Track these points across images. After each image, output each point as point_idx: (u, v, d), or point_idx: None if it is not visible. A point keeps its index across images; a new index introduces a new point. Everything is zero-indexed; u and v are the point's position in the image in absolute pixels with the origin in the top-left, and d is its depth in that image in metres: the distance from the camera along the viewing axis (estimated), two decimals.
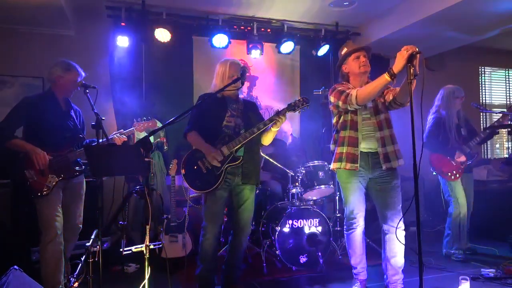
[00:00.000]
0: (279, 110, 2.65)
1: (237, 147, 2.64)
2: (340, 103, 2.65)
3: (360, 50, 2.76)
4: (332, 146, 2.89)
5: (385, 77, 2.35)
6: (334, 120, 2.88)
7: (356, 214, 2.76)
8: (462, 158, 3.68)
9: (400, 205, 2.70)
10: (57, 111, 2.82)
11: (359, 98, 2.52)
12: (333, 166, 2.82)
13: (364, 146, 2.70)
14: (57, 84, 2.82)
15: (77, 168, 2.86)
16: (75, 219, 2.91)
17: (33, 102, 2.76)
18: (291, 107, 2.68)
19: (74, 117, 2.95)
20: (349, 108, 2.64)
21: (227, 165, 2.66)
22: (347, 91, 2.61)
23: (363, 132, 2.70)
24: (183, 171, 2.73)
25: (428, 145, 3.74)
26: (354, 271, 2.93)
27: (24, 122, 2.75)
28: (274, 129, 2.70)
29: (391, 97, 2.64)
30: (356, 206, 2.76)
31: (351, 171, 2.71)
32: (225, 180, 2.67)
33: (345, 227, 2.88)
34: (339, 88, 2.71)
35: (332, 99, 2.75)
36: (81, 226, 2.96)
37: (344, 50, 2.85)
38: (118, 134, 2.94)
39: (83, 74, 2.89)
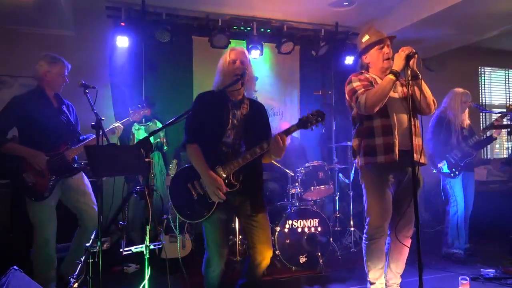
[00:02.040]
0: (289, 127, 2.22)
1: (235, 170, 2.20)
2: (353, 104, 2.48)
3: (384, 40, 2.51)
4: (355, 141, 2.59)
5: (390, 77, 2.31)
6: (353, 112, 2.61)
7: (383, 222, 2.46)
8: (452, 164, 3.70)
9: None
10: (49, 108, 2.78)
11: (368, 104, 2.34)
12: (362, 161, 2.48)
13: (398, 138, 2.39)
14: (45, 79, 2.77)
15: (75, 165, 2.85)
16: (92, 210, 2.89)
17: (23, 101, 2.70)
18: (303, 124, 2.21)
19: (67, 112, 2.90)
20: (359, 113, 2.47)
21: None
22: (358, 92, 2.41)
23: (395, 119, 2.42)
24: (168, 191, 2.33)
25: (430, 143, 3.78)
26: (372, 286, 2.59)
27: (16, 122, 2.70)
28: None
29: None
30: (385, 211, 2.45)
31: (385, 166, 2.42)
32: (223, 201, 2.21)
33: (365, 236, 2.56)
34: (354, 85, 2.47)
35: (346, 95, 2.55)
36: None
37: (366, 38, 2.55)
38: (115, 125, 2.94)
39: (69, 66, 2.86)
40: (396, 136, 2.40)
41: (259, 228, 2.27)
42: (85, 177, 2.98)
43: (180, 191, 2.27)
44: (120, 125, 2.97)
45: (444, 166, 3.71)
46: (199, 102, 2.33)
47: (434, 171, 3.86)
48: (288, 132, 2.21)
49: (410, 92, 2.18)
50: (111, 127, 2.94)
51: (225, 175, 2.19)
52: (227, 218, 2.30)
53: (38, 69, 2.77)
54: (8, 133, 2.69)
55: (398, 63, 2.28)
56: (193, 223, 3.59)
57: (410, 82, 2.21)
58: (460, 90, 3.81)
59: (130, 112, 3.02)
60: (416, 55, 2.22)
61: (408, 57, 2.23)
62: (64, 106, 2.91)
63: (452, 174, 3.71)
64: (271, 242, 2.34)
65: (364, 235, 2.58)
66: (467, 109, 3.81)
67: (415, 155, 2.32)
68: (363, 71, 2.61)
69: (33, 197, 2.66)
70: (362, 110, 2.40)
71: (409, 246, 2.60)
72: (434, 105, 2.49)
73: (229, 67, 2.28)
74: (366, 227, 2.57)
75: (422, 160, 2.41)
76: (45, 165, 2.66)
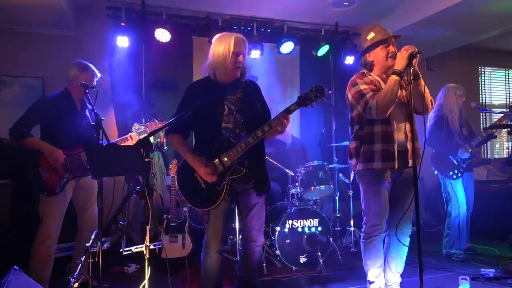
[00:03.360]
0: (289, 106, 2.22)
1: (239, 155, 2.22)
2: (359, 108, 2.40)
3: (390, 39, 2.46)
4: (353, 143, 2.56)
5: (394, 78, 2.28)
6: (354, 113, 2.57)
7: (380, 219, 2.48)
8: (466, 155, 3.67)
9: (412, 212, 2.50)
10: (72, 111, 2.91)
11: (379, 110, 2.30)
12: (361, 166, 2.48)
13: (396, 142, 2.40)
14: (73, 84, 2.90)
15: (89, 167, 2.90)
16: (91, 217, 2.97)
17: (50, 102, 2.85)
18: (302, 101, 2.20)
19: (88, 116, 3.01)
20: (368, 118, 2.42)
21: (229, 178, 2.24)
22: (367, 96, 2.36)
23: (394, 124, 2.41)
24: (178, 184, 2.39)
25: (430, 142, 3.76)
26: (371, 285, 2.59)
27: (40, 121, 2.84)
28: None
29: None
30: (382, 210, 2.47)
31: (382, 171, 2.43)
32: (229, 189, 2.28)
33: (363, 234, 2.57)
34: (361, 87, 2.41)
35: (350, 97, 2.49)
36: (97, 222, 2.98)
37: (371, 36, 2.48)
38: (131, 134, 3.06)
39: (98, 74, 3.00)
40: (396, 142, 2.41)
41: (254, 215, 2.33)
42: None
43: (188, 180, 2.29)
44: (136, 135, 3.07)
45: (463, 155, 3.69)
46: (190, 92, 2.31)
47: (436, 172, 3.85)
48: (288, 111, 2.21)
49: (411, 92, 2.17)
50: (127, 136, 3.06)
51: (230, 162, 2.21)
52: (231, 208, 2.37)
53: (69, 73, 2.92)
54: (32, 129, 2.82)
55: (400, 63, 2.26)
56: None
57: (412, 82, 2.20)
58: (452, 84, 3.81)
59: (148, 124, 3.14)
60: (418, 55, 2.20)
61: (411, 57, 2.21)
62: (87, 110, 3.03)
63: (454, 176, 3.70)
64: (263, 230, 2.41)
65: (362, 233, 2.60)
66: (462, 103, 3.81)
67: (411, 159, 2.39)
68: (365, 72, 2.57)
69: (44, 191, 2.77)
70: (373, 114, 2.35)
71: (407, 244, 2.60)
72: (432, 105, 2.50)
73: (232, 59, 2.22)
74: (364, 226, 2.58)
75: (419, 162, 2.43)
76: (61, 163, 2.76)
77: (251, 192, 2.35)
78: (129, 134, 3.07)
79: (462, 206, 3.69)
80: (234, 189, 2.32)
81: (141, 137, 3.02)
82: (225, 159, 2.21)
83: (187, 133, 2.40)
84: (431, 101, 2.48)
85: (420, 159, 2.38)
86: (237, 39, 2.24)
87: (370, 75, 2.54)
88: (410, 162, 2.44)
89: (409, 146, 2.45)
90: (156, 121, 3.21)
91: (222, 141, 2.24)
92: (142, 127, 3.64)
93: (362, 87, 2.43)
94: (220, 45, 2.23)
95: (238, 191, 2.35)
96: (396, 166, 2.41)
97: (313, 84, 2.23)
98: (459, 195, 3.70)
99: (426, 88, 2.41)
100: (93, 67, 2.98)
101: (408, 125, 2.44)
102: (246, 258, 2.41)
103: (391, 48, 2.47)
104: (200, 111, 2.21)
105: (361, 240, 2.62)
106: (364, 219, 2.58)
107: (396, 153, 2.40)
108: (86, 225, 2.97)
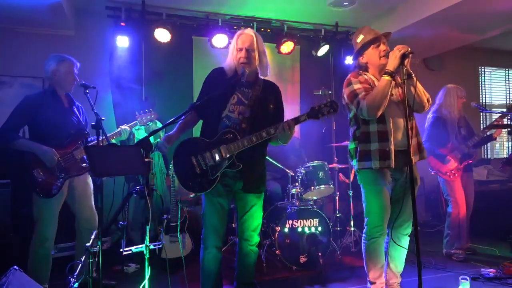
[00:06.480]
0: (298, 116, 2.27)
1: (238, 151, 2.25)
2: (354, 108, 2.43)
3: (380, 37, 2.47)
4: (352, 144, 2.58)
5: (385, 78, 2.28)
6: (351, 115, 2.58)
7: (382, 221, 2.47)
8: (452, 166, 3.68)
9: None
10: (60, 108, 2.84)
11: (370, 110, 2.30)
12: (359, 166, 2.49)
13: (394, 141, 2.40)
14: (54, 78, 2.83)
15: (84, 165, 2.88)
16: (89, 218, 2.96)
17: (35, 101, 2.77)
18: (314, 114, 2.23)
19: (77, 113, 2.97)
20: (361, 117, 2.44)
21: (224, 170, 2.28)
22: (360, 96, 2.37)
23: (391, 123, 2.41)
24: (173, 162, 2.39)
25: (427, 145, 3.76)
26: (372, 286, 2.59)
27: (27, 121, 2.76)
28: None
29: None
30: (384, 211, 2.47)
31: (382, 171, 2.44)
32: (224, 185, 2.32)
33: (364, 235, 2.57)
34: (355, 87, 2.42)
35: (345, 97, 2.50)
36: (96, 218, 2.97)
37: (361, 38, 2.50)
38: (122, 127, 3.02)
39: (78, 64, 2.91)
40: (392, 142, 2.41)
41: (250, 216, 2.39)
42: (90, 178, 3.01)
43: (184, 162, 2.30)
44: (128, 128, 3.05)
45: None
46: (209, 76, 2.44)
47: (433, 172, 3.85)
48: (297, 121, 2.23)
49: (405, 92, 2.17)
50: (118, 129, 3.01)
51: (228, 155, 2.24)
52: (227, 205, 2.37)
53: (47, 69, 2.83)
54: (20, 130, 2.76)
55: (392, 62, 2.26)
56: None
57: (406, 81, 2.20)
58: (453, 85, 3.79)
59: (137, 116, 3.11)
60: (411, 54, 2.19)
61: (403, 56, 2.21)
62: (74, 107, 2.97)
63: (450, 176, 3.70)
64: (259, 231, 2.46)
65: (363, 234, 2.59)
66: (462, 104, 3.79)
67: (412, 156, 2.35)
68: (360, 72, 2.56)
69: (41, 193, 2.69)
70: (365, 115, 2.36)
71: (406, 246, 2.60)
72: (429, 103, 2.49)
73: (237, 54, 2.32)
74: (365, 226, 2.58)
75: (420, 158, 2.49)
76: (56, 163, 2.69)
77: (247, 192, 2.38)
78: (120, 128, 3.02)
79: (461, 206, 3.70)
80: (231, 186, 2.34)
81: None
82: (225, 151, 2.25)
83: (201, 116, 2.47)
84: (428, 99, 2.47)
85: (423, 154, 2.40)
86: (240, 35, 2.33)
87: (365, 74, 2.54)
88: (414, 159, 2.44)
89: (409, 143, 2.41)
90: (146, 112, 3.17)
91: (226, 132, 2.27)
92: (143, 127, 3.66)
93: (356, 86, 2.44)
94: (232, 42, 2.37)
95: (235, 190, 2.37)
96: (392, 165, 2.40)
97: (329, 99, 2.26)
98: (457, 195, 3.70)
99: (421, 87, 2.43)
100: (70, 57, 2.88)
101: (408, 123, 2.42)
102: (241, 257, 2.46)
103: (383, 47, 2.47)
104: (211, 97, 2.25)
105: (362, 241, 2.62)
106: (366, 220, 2.58)
107: (392, 153, 2.39)
108: (84, 226, 2.93)
